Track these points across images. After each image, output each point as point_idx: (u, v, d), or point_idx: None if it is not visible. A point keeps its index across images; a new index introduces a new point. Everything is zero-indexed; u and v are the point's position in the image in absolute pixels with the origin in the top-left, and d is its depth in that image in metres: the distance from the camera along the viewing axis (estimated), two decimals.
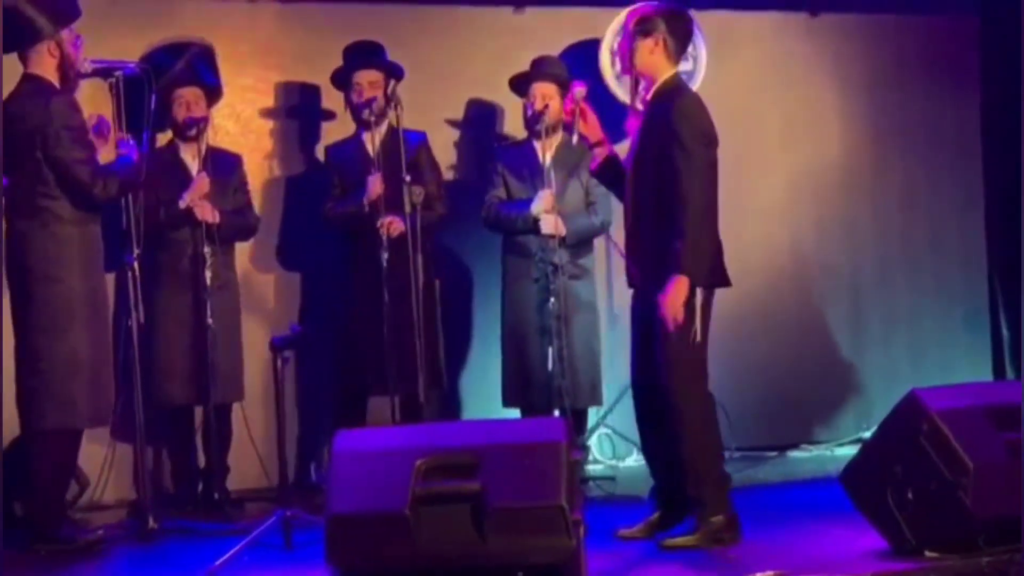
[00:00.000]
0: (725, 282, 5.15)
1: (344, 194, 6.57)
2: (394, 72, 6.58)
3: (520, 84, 6.71)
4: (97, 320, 5.53)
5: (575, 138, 5.46)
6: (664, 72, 5.14)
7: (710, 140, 5.07)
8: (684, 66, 7.50)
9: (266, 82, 7.08)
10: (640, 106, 5.22)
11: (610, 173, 5.32)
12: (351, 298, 6.57)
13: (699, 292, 5.02)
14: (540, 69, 6.67)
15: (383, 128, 6.50)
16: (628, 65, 5.18)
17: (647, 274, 5.12)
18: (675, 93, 5.12)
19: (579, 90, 5.33)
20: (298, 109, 7.13)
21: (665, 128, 5.03)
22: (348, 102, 6.62)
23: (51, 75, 5.46)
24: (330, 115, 7.04)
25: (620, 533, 5.22)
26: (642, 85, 5.21)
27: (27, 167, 5.41)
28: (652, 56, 5.11)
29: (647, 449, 5.33)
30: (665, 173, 5.01)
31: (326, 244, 6.83)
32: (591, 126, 5.28)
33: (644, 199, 5.11)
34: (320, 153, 7.03)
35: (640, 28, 5.10)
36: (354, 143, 6.65)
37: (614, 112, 6.79)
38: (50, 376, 5.39)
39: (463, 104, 7.32)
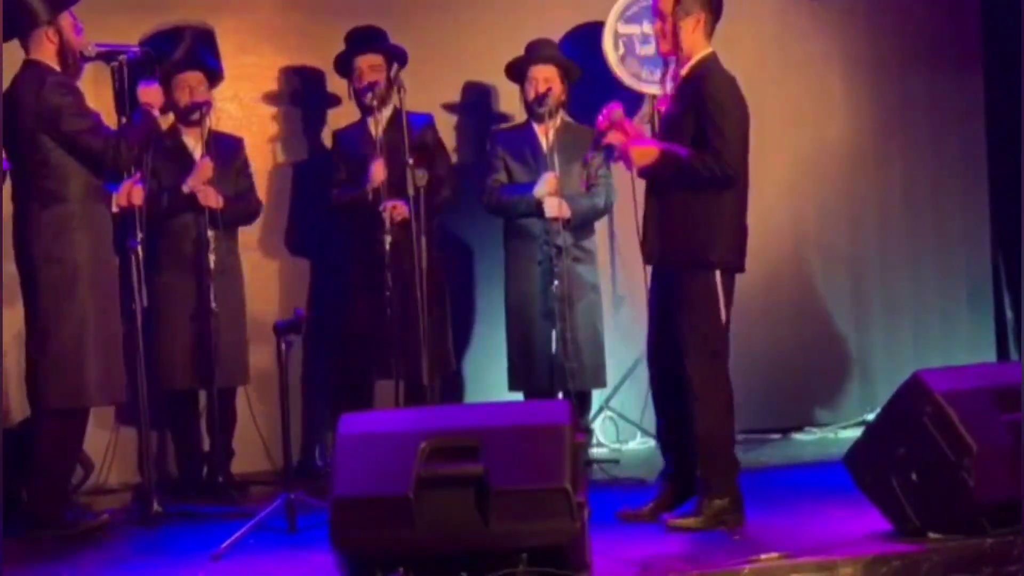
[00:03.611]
0: (740, 267, 5.17)
1: (349, 180, 6.57)
2: (396, 56, 6.58)
3: (516, 68, 6.69)
4: (105, 300, 5.53)
5: (597, 159, 5.40)
6: (701, 50, 5.13)
7: (743, 120, 5.08)
8: (712, 47, 7.55)
9: (268, 65, 7.07)
10: (669, 86, 5.22)
11: None
12: (355, 283, 6.57)
13: (717, 274, 5.05)
14: (537, 52, 6.65)
15: (387, 112, 6.50)
16: (672, 46, 5.13)
17: (667, 253, 5.12)
18: (710, 72, 5.10)
19: (616, 111, 5.21)
20: (301, 93, 7.12)
21: (700, 110, 5.02)
22: (351, 87, 6.62)
23: (51, 60, 5.47)
24: (335, 100, 7.03)
25: (622, 514, 5.22)
26: (671, 65, 5.19)
27: (28, 150, 5.41)
28: (694, 34, 5.11)
29: (660, 428, 5.34)
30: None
31: (330, 228, 6.83)
32: (634, 137, 5.19)
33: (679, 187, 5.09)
34: (324, 137, 7.03)
35: (682, 7, 5.07)
36: (359, 128, 6.64)
37: (613, 95, 6.79)
38: (57, 356, 5.40)
39: (461, 87, 7.30)
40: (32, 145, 5.41)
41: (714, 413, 5.09)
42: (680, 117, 5.10)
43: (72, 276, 5.42)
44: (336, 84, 6.92)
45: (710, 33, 5.15)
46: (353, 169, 6.55)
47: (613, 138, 5.19)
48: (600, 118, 5.22)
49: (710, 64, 5.14)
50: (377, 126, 6.44)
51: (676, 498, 5.20)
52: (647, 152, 5.08)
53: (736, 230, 5.13)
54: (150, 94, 5.60)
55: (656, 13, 5.16)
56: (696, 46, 5.12)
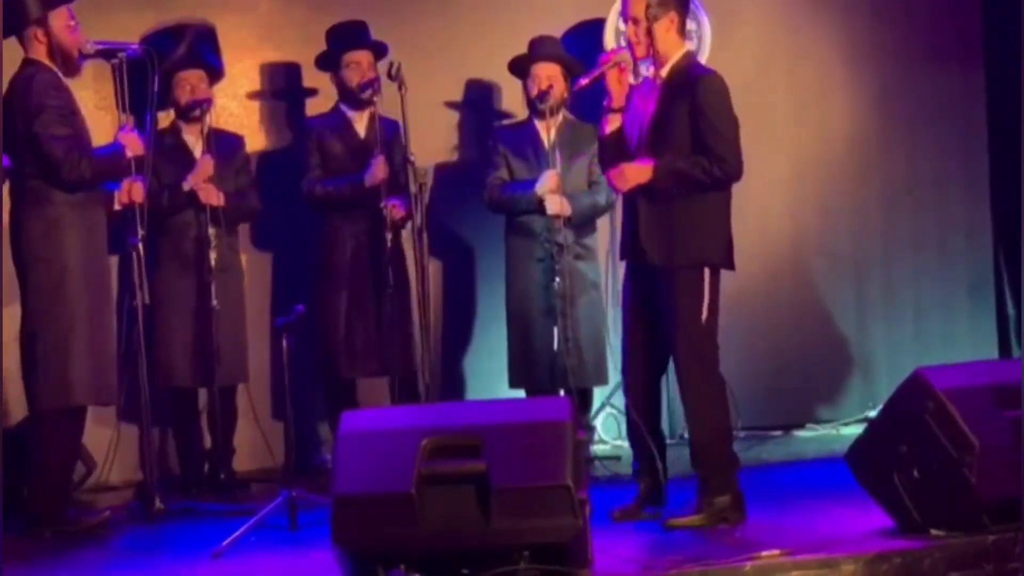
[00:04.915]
0: (730, 265, 5.19)
1: (327, 171, 6.55)
2: (381, 51, 6.58)
3: (519, 65, 6.70)
4: (97, 301, 5.53)
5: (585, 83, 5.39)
6: (678, 49, 5.16)
7: (735, 119, 5.14)
8: (687, 45, 7.53)
9: (268, 62, 7.06)
10: (628, 83, 5.21)
11: (615, 141, 5.26)
12: (354, 281, 6.55)
13: (707, 272, 5.07)
14: (541, 50, 6.65)
15: (370, 109, 6.48)
16: (648, 49, 5.14)
17: (660, 252, 5.11)
18: (696, 72, 5.17)
19: (624, 54, 5.23)
20: (301, 90, 7.11)
21: (697, 113, 5.06)
22: (338, 82, 6.60)
23: (44, 58, 5.47)
24: (333, 95, 7.02)
25: (616, 513, 5.22)
26: (628, 65, 5.20)
27: (22, 149, 5.42)
28: (669, 35, 5.14)
29: (632, 429, 5.34)
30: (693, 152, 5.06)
31: (332, 226, 6.79)
32: (620, 90, 5.23)
33: None
34: None
35: (657, 8, 5.09)
36: (336, 119, 6.63)
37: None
38: (46, 357, 5.41)
39: (462, 84, 7.30)
40: (24, 144, 5.41)
41: (710, 411, 5.12)
42: (670, 119, 5.11)
43: (60, 276, 5.42)
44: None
45: (683, 31, 5.20)
46: (331, 160, 6.53)
47: (611, 75, 5.17)
48: (609, 52, 5.22)
49: (695, 65, 5.21)
50: (364, 122, 6.45)
51: (655, 489, 5.22)
52: (641, 171, 5.09)
53: (725, 229, 5.17)
54: (129, 139, 5.58)
55: (628, 17, 5.18)
56: (672, 46, 5.15)
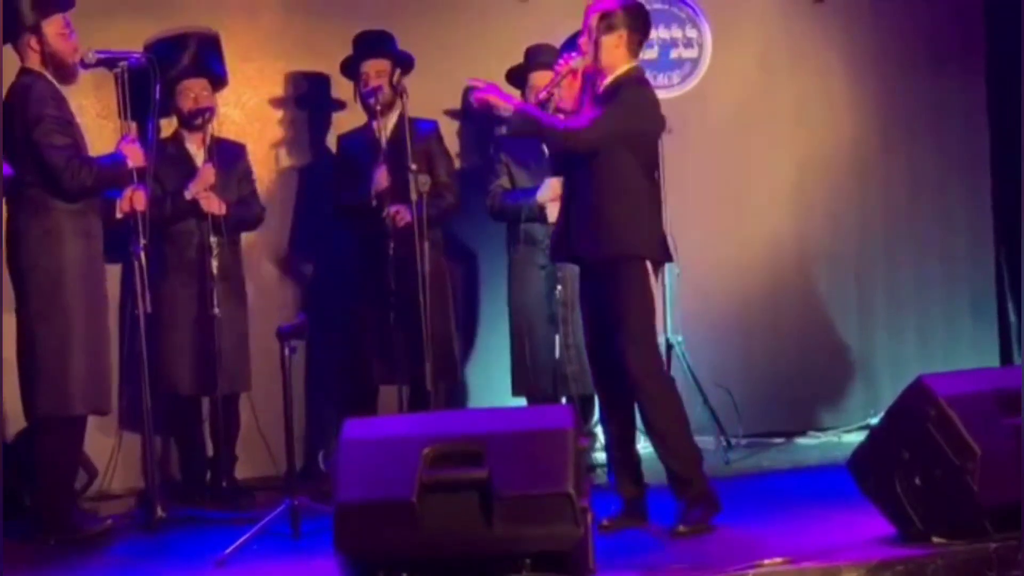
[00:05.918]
0: (666, 258, 5.27)
1: (353, 184, 6.58)
2: (402, 61, 6.59)
3: (517, 75, 6.71)
4: (93, 308, 5.53)
5: (544, 96, 5.43)
6: (623, 63, 5.21)
7: (644, 123, 5.19)
8: (689, 53, 7.55)
9: (271, 71, 7.07)
10: (578, 88, 5.25)
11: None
12: (359, 288, 6.58)
13: (649, 265, 5.14)
14: (538, 59, 6.66)
15: (392, 117, 6.50)
16: (593, 60, 5.20)
17: (599, 249, 5.15)
18: (629, 80, 5.21)
19: (580, 60, 5.28)
20: (305, 98, 7.12)
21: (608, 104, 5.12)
22: (357, 92, 6.63)
23: (38, 66, 5.48)
24: (338, 104, 7.03)
25: (602, 525, 5.21)
26: (580, 71, 5.24)
27: (18, 158, 5.43)
28: (616, 51, 5.20)
29: (610, 443, 5.36)
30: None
31: (334, 234, 6.84)
32: (571, 94, 5.29)
33: (602, 182, 5.16)
34: (328, 141, 7.04)
35: (604, 23, 5.16)
36: (365, 132, 6.66)
37: None
38: (42, 364, 5.43)
39: (464, 92, 7.30)
40: (24, 152, 5.42)
41: (668, 408, 5.14)
42: None
43: (55, 285, 5.43)
44: (340, 89, 6.92)
45: (635, 51, 5.25)
46: (358, 173, 6.56)
47: (565, 92, 5.25)
48: (564, 59, 5.27)
49: (633, 75, 5.22)
50: (382, 131, 6.46)
51: (640, 499, 5.25)
52: (504, 103, 5.23)
53: (656, 224, 5.23)
54: (130, 150, 5.59)
55: (583, 28, 5.24)
56: (618, 60, 5.21)
